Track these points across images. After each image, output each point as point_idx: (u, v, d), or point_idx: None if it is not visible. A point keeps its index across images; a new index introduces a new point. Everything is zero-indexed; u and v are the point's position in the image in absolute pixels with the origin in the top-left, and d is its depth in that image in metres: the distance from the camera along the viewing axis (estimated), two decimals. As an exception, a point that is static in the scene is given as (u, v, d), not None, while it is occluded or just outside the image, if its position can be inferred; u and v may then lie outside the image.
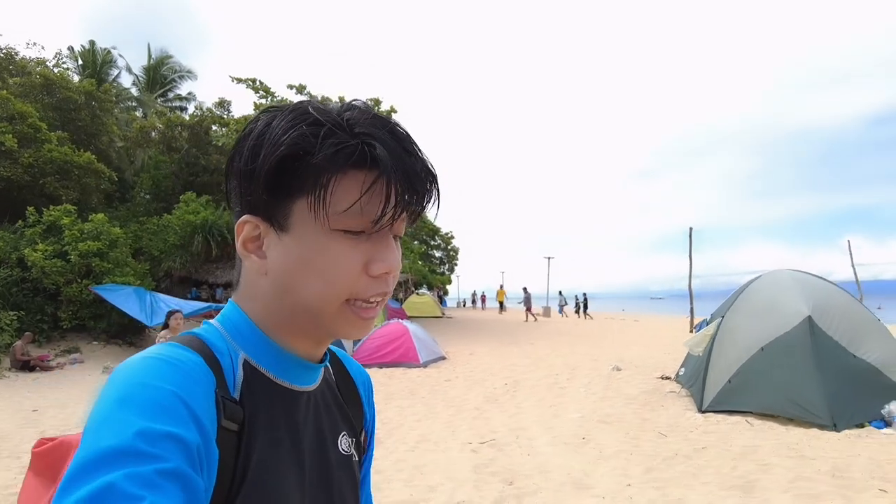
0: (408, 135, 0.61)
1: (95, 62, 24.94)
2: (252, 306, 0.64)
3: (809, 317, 6.63)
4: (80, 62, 24.94)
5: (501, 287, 36.62)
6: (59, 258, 13.45)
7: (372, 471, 0.85)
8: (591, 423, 6.48)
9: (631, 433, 6.02)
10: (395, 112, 20.26)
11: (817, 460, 4.91)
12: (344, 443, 0.71)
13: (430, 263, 49.12)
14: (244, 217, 0.62)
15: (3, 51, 18.77)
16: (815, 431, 5.90)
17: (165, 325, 6.32)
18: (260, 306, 0.64)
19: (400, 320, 12.37)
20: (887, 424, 6.01)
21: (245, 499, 0.56)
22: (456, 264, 52.07)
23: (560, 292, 31.50)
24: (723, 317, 7.47)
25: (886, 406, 6.09)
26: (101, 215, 14.78)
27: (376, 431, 0.86)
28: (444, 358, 12.34)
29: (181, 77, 29.53)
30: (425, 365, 11.26)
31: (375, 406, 0.84)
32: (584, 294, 30.95)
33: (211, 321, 0.66)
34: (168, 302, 13.96)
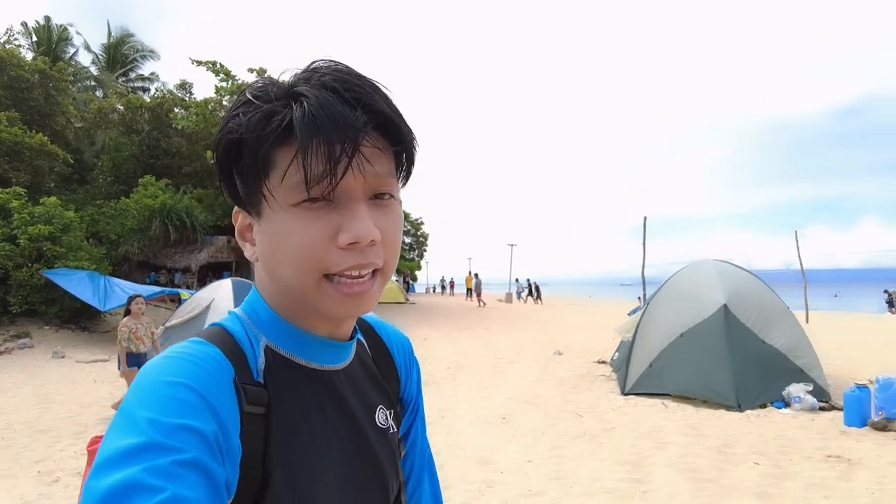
0: (352, 82, 0.57)
1: (51, 39, 24.26)
2: (264, 292, 0.65)
3: (725, 305, 7.05)
4: (35, 39, 24.23)
5: (470, 273, 36.80)
6: (7, 242, 13.26)
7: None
8: (516, 404, 6.81)
9: (552, 413, 6.37)
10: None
11: (711, 438, 5.30)
12: (381, 416, 0.71)
13: (401, 249, 49.32)
14: (235, 209, 0.64)
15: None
16: (721, 412, 6.33)
17: (128, 312, 6.20)
18: (269, 292, 0.65)
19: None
20: (787, 405, 6.47)
21: (280, 479, 0.57)
22: (426, 250, 52.17)
23: (517, 280, 32.58)
24: (648, 304, 7.86)
25: (787, 388, 6.55)
26: (53, 199, 14.57)
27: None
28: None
29: (143, 57, 28.90)
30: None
31: (419, 362, 0.85)
32: (528, 280, 32.78)
33: (235, 310, 0.67)
34: (123, 286, 13.90)
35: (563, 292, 55.77)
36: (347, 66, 0.59)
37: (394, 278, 28.64)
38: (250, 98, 0.58)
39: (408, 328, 16.02)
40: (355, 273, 0.58)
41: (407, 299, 26.87)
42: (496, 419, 6.14)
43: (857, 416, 5.70)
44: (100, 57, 27.62)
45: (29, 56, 21.67)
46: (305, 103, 0.55)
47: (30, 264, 13.53)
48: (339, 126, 0.54)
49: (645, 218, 20.26)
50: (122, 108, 21.60)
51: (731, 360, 6.68)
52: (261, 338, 0.63)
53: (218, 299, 11.88)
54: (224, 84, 19.33)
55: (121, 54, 28.13)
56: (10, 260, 13.19)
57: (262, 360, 0.61)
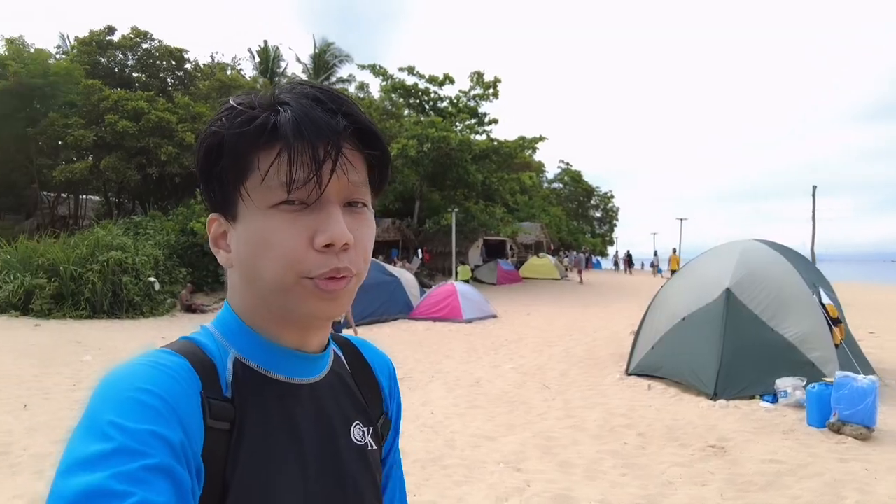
0: (332, 93, 0.61)
1: (268, 59, 29.89)
2: (236, 302, 0.65)
3: (728, 289, 6.72)
4: (258, 60, 30.12)
5: (675, 252, 31.37)
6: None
7: None
8: (513, 375, 7.52)
9: (526, 385, 6.99)
10: (500, 82, 21.13)
11: (634, 419, 5.49)
12: (357, 432, 0.70)
13: (591, 225, 48.24)
14: (210, 216, 0.64)
15: (192, 63, 23.92)
16: (699, 399, 6.23)
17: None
18: (241, 301, 0.64)
19: (454, 282, 14.01)
20: (776, 399, 6.06)
21: (238, 496, 0.56)
22: (616, 224, 50.21)
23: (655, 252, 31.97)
24: (663, 287, 7.73)
25: (778, 381, 6.10)
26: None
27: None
28: (494, 316, 13.67)
29: (341, 61, 33.61)
30: (469, 321, 12.76)
31: (399, 388, 0.84)
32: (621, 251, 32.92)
33: (206, 324, 0.67)
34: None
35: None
36: (330, 87, 0.63)
37: (547, 255, 29.06)
38: (233, 104, 0.61)
39: (528, 305, 16.89)
40: (333, 276, 0.59)
41: (565, 276, 27.21)
42: (471, 382, 7.04)
43: (818, 415, 5.26)
44: (308, 66, 32.99)
45: (253, 74, 27.33)
46: (289, 109, 0.58)
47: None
48: (322, 130, 0.57)
49: (814, 188, 17.62)
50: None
51: (720, 347, 6.43)
52: (230, 350, 0.63)
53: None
54: (384, 83, 22.00)
55: (324, 61, 33.16)
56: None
57: (230, 372, 0.61)
